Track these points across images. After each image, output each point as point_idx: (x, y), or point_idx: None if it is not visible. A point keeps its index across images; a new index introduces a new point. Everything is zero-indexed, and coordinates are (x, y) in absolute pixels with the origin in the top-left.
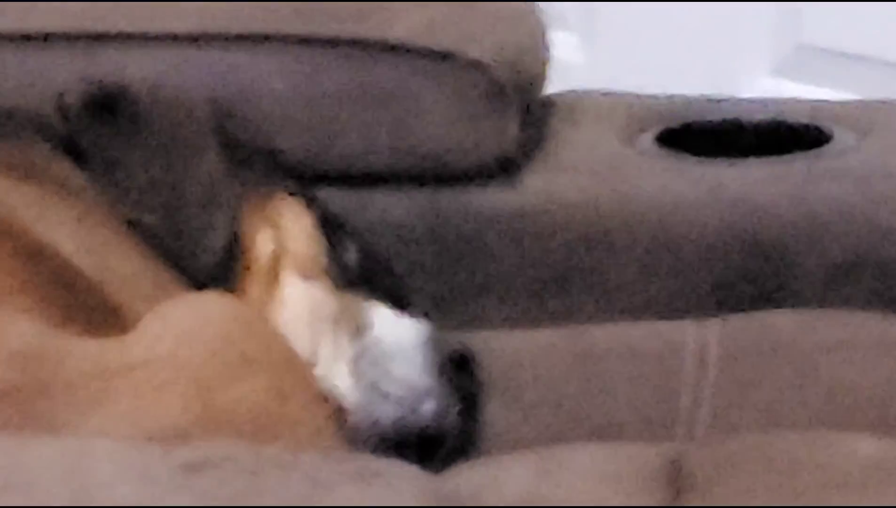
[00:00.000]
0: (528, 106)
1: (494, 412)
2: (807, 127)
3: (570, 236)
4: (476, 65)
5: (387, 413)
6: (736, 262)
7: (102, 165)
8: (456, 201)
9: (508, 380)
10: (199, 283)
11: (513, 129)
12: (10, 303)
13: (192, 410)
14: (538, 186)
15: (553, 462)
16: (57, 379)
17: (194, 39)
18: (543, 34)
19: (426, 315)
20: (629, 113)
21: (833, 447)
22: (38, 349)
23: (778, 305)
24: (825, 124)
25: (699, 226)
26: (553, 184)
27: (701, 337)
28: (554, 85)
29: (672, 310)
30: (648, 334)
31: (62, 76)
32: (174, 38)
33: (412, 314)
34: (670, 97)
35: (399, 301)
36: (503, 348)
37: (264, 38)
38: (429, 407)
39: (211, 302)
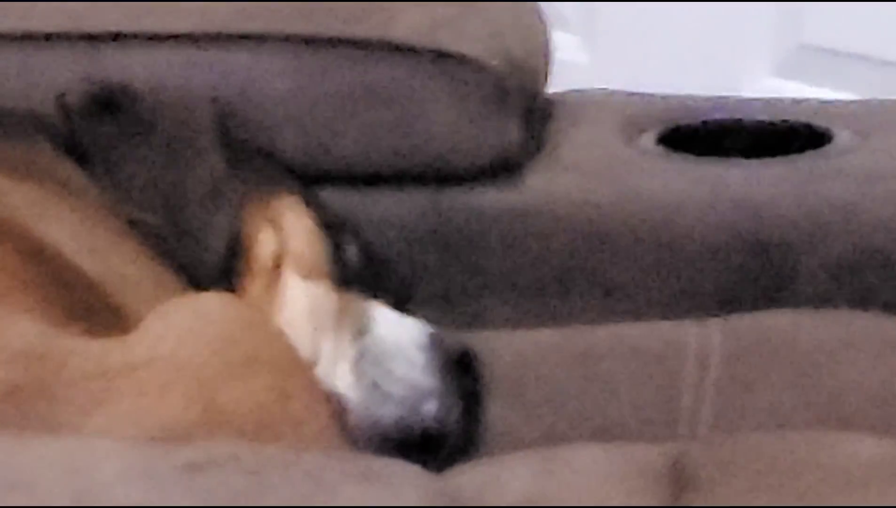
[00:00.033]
0: (529, 106)
1: (496, 412)
2: (808, 127)
3: (572, 236)
4: (478, 65)
5: (388, 413)
6: (737, 262)
7: (104, 165)
8: (458, 201)
9: (510, 380)
10: (201, 283)
11: (514, 129)
12: (11, 303)
13: (194, 410)
14: (540, 186)
15: (555, 462)
16: (59, 379)
17: (196, 39)
18: (545, 34)
19: (428, 315)
20: (630, 113)
21: (835, 447)
22: (40, 349)
23: (779, 305)
24: (826, 124)
25: (701, 226)
26: (555, 184)
27: (702, 337)
28: (555, 85)
29: (674, 310)
30: (650, 334)
31: (64, 76)
32: (176, 38)
33: (414, 314)
34: (671, 97)
35: (401, 301)
36: (505, 347)
37: (266, 38)
38: (430, 407)
39: (213, 302)
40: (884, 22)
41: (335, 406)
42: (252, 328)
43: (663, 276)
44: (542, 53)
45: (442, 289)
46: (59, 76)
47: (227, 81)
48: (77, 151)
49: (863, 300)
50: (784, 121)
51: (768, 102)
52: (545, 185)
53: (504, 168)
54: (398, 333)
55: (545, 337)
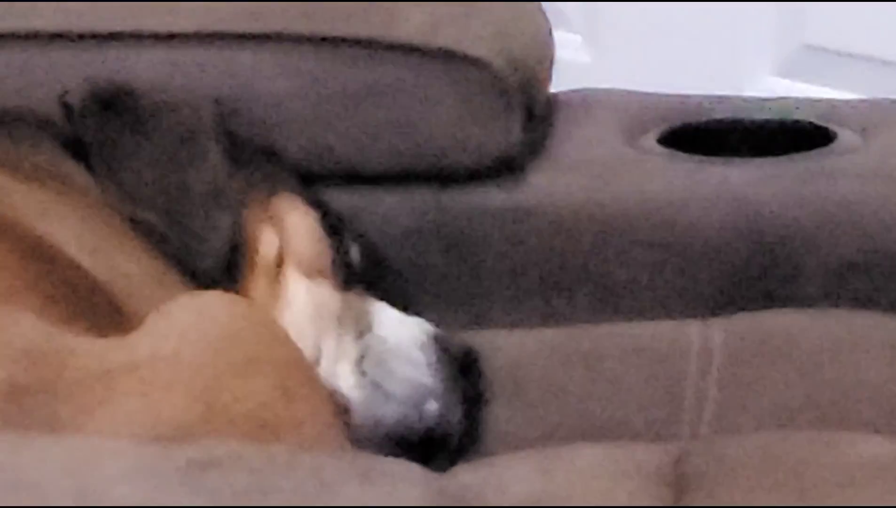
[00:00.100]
0: (531, 105)
1: (498, 412)
2: (810, 127)
3: (574, 236)
4: (480, 64)
5: (390, 413)
6: (739, 261)
7: (106, 165)
8: (460, 200)
9: (512, 379)
10: (203, 282)
11: (517, 128)
12: (14, 302)
13: (197, 409)
14: (542, 186)
15: (557, 462)
16: (61, 378)
17: (199, 39)
18: (547, 34)
19: (430, 314)
20: (632, 112)
21: (837, 446)
22: (43, 348)
23: (782, 304)
24: (828, 124)
25: (703, 225)
26: (556, 183)
27: (705, 337)
28: (557, 84)
29: (676, 309)
30: (653, 333)
31: (66, 76)
32: (178, 38)
33: (416, 314)
34: (673, 97)
35: (402, 301)
36: (507, 347)
37: (268, 38)
38: (432, 407)
39: (215, 301)
40: (886, 22)
41: (337, 406)
42: (254, 327)
43: (665, 275)
44: (544, 53)
45: (444, 288)
46: (61, 76)
47: (229, 81)
48: (79, 151)
49: (865, 300)
50: (786, 120)
51: (770, 102)
52: (547, 184)
53: (506, 167)
54: (400, 332)
55: (547, 337)
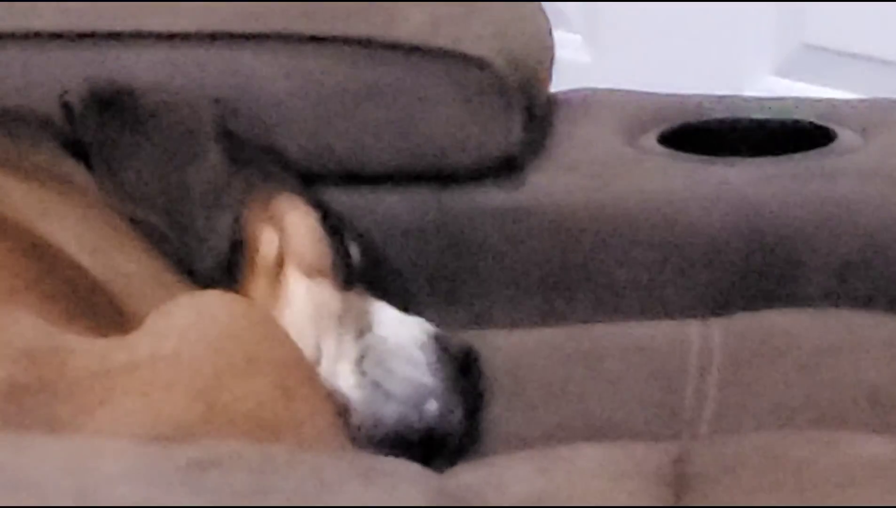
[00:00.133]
0: (531, 105)
1: (498, 412)
2: (810, 126)
3: (574, 235)
4: (480, 64)
5: (390, 413)
6: (739, 261)
7: (106, 164)
8: (460, 200)
9: (512, 379)
10: (204, 282)
11: (517, 128)
12: (14, 301)
13: (197, 408)
14: (542, 185)
15: (556, 462)
16: (61, 378)
17: (199, 38)
18: (548, 33)
19: (430, 314)
20: (632, 112)
21: (837, 446)
22: (43, 348)
23: (781, 304)
24: (828, 124)
25: (703, 225)
26: (556, 183)
27: (705, 336)
28: (557, 84)
29: (676, 309)
30: (652, 333)
31: (66, 76)
32: (178, 38)
33: (416, 313)
34: (673, 96)
35: (403, 300)
36: (507, 347)
37: (268, 37)
38: (432, 407)
39: (216, 301)
40: (885, 22)
41: (337, 406)
42: (255, 327)
43: (665, 275)
44: (545, 53)
45: (444, 288)
46: (61, 75)
47: (229, 81)
48: (79, 150)
49: (865, 299)
50: (786, 120)
51: (770, 102)
52: (547, 184)
53: (506, 167)
54: (400, 332)
55: (547, 336)
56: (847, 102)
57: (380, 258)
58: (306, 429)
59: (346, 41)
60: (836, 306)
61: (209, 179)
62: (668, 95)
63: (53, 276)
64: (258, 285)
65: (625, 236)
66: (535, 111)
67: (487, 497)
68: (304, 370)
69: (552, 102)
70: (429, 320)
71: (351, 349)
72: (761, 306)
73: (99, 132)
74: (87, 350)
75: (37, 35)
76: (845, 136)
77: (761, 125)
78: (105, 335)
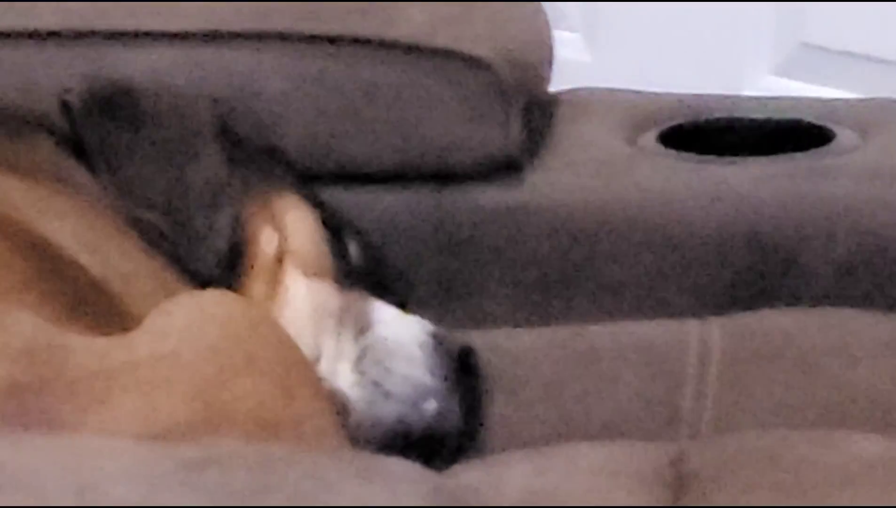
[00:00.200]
0: (531, 105)
1: (497, 410)
2: (809, 126)
3: (573, 234)
4: (480, 63)
5: (389, 412)
6: (738, 260)
7: (106, 163)
8: (459, 199)
9: (511, 378)
10: (203, 281)
11: (516, 127)
12: (13, 300)
13: (196, 408)
14: (541, 185)
15: (555, 461)
16: (60, 377)
17: (198, 38)
18: (547, 33)
19: (429, 313)
20: (632, 112)
21: (836, 446)
22: (42, 347)
23: (780, 303)
24: (827, 123)
25: (701, 224)
26: (556, 182)
27: (703, 336)
28: (557, 84)
29: (675, 308)
30: (651, 332)
31: (66, 74)
32: (178, 37)
33: (415, 313)
34: (673, 96)
35: (402, 299)
36: (506, 346)
37: (268, 37)
38: (431, 406)
39: (215, 300)
40: (885, 21)
41: (337, 405)
42: (254, 326)
43: (664, 274)
44: (544, 52)
45: (443, 287)
46: (60, 74)
47: (228, 80)
48: (79, 150)
49: (864, 299)
50: (785, 119)
51: (769, 101)
52: (546, 183)
53: (505, 167)
54: (399, 331)
55: (546, 335)
56: (846, 101)
57: (379, 258)
58: (306, 428)
59: (346, 41)
60: (836, 306)
61: (208, 179)
62: (667, 95)
63: (53, 275)
64: (257, 284)
65: (624, 235)
66: (534, 111)
67: (486, 496)
68: (303, 370)
69: (552, 102)
70: (428, 319)
71: (350, 349)
72: (761, 306)
73: (98, 131)
74: (86, 349)
75: (36, 34)
76: (844, 135)
77: (761, 125)
78: (105, 334)
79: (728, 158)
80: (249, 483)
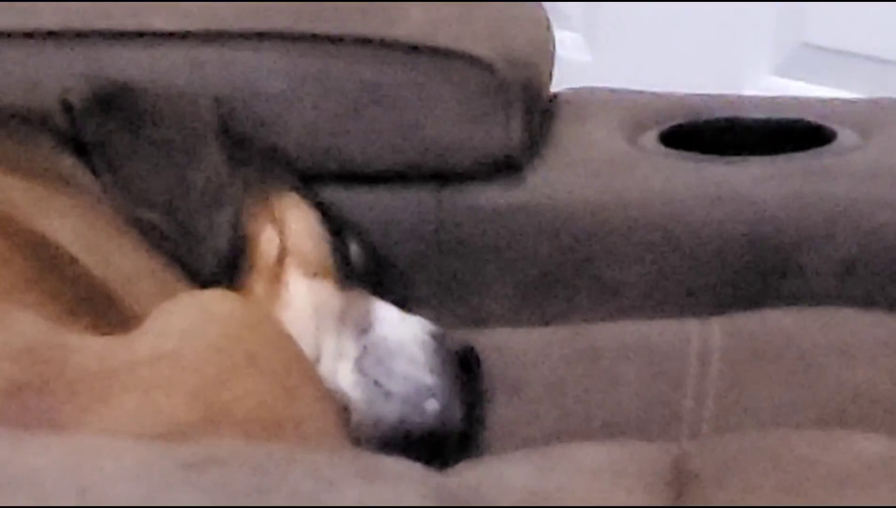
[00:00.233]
0: (532, 105)
1: (498, 410)
2: (810, 126)
3: (574, 234)
4: (481, 63)
5: (390, 411)
6: (739, 260)
7: (106, 163)
8: (460, 199)
9: (512, 378)
10: (204, 281)
11: (517, 127)
12: (14, 299)
13: (197, 407)
14: (542, 184)
15: (557, 460)
16: (61, 376)
17: (199, 38)
18: (548, 33)
19: (430, 313)
20: (633, 111)
21: (836, 446)
22: (43, 346)
23: (781, 303)
24: (828, 123)
25: (703, 224)
26: (557, 182)
27: (704, 335)
28: (558, 83)
29: (675, 308)
30: (652, 332)
31: (67, 74)
32: (179, 37)
33: (416, 312)
34: (673, 96)
35: (403, 299)
36: (507, 345)
37: (269, 37)
38: (432, 405)
39: (216, 300)
40: (885, 21)
41: (338, 405)
42: (255, 326)
43: (665, 274)
44: (545, 52)
45: (444, 287)
46: (61, 74)
47: (229, 80)
48: (80, 149)
49: (865, 299)
50: (786, 119)
51: (770, 101)
52: (547, 183)
53: (506, 166)
54: (401, 331)
55: (547, 335)
56: (847, 101)
57: (380, 258)
58: (307, 428)
59: (347, 41)
60: (836, 306)
61: (209, 178)
62: (668, 95)
63: (54, 274)
64: (258, 284)
65: (625, 235)
66: (535, 110)
67: (487, 495)
68: (304, 369)
69: (552, 102)
70: (428, 319)
71: (351, 348)
72: (761, 306)
73: (99, 131)
74: (87, 349)
75: (37, 34)
76: (845, 135)
77: (761, 125)
78: (105, 334)
79: (729, 158)
80: (250, 483)
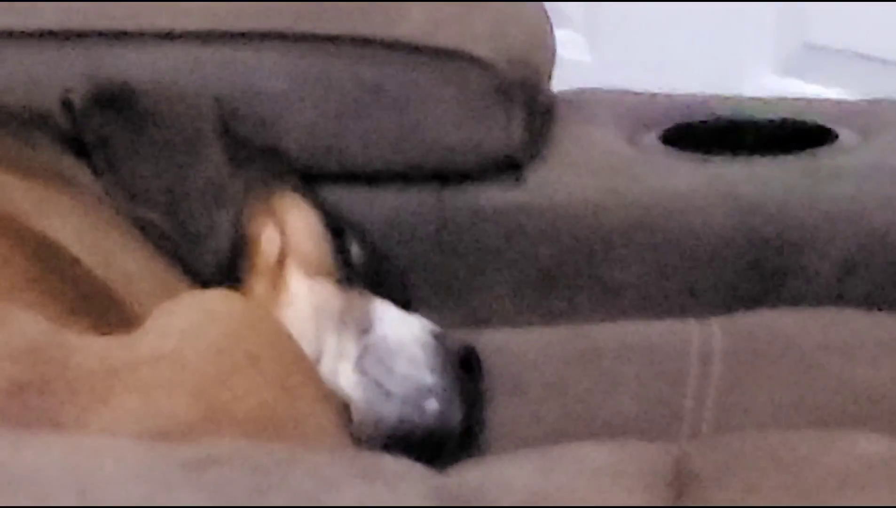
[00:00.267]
0: (532, 105)
1: (499, 410)
2: (811, 126)
3: (575, 234)
4: (482, 63)
5: (391, 411)
6: (740, 260)
7: (107, 163)
8: (461, 199)
9: (512, 378)
10: (205, 280)
11: (518, 127)
12: (15, 299)
13: (198, 407)
14: (543, 184)
15: (557, 460)
16: (62, 376)
17: (199, 37)
18: (549, 33)
19: (431, 313)
20: (634, 111)
21: (837, 446)
22: (44, 346)
23: (782, 303)
24: (830, 123)
25: (704, 224)
26: (558, 182)
27: (705, 335)
28: (559, 83)
29: (677, 308)
30: (653, 332)
31: (67, 74)
32: (179, 36)
33: (416, 312)
34: (675, 96)
35: (403, 299)
36: (507, 346)
37: (269, 36)
38: (433, 405)
39: (217, 299)
40: (886, 21)
41: (338, 404)
42: (256, 325)
43: (666, 274)
44: (546, 52)
45: (445, 287)
46: (62, 74)
47: (230, 80)
48: (80, 149)
49: (867, 299)
50: (788, 119)
51: (771, 101)
52: (548, 183)
53: (507, 166)
54: (401, 331)
55: (548, 335)
56: (848, 101)
57: (380, 257)
58: (307, 428)
59: (347, 40)
60: (836, 306)
61: (210, 178)
62: (668, 95)
63: (55, 274)
64: (259, 283)
65: (626, 235)
66: (535, 111)
67: (488, 495)
68: (305, 369)
69: (553, 102)
70: (430, 318)
71: (352, 348)
72: (762, 305)
73: (100, 131)
74: (88, 349)
75: (38, 34)
76: (846, 136)
77: (762, 125)
78: (106, 334)
79: (730, 158)
80: (251, 483)
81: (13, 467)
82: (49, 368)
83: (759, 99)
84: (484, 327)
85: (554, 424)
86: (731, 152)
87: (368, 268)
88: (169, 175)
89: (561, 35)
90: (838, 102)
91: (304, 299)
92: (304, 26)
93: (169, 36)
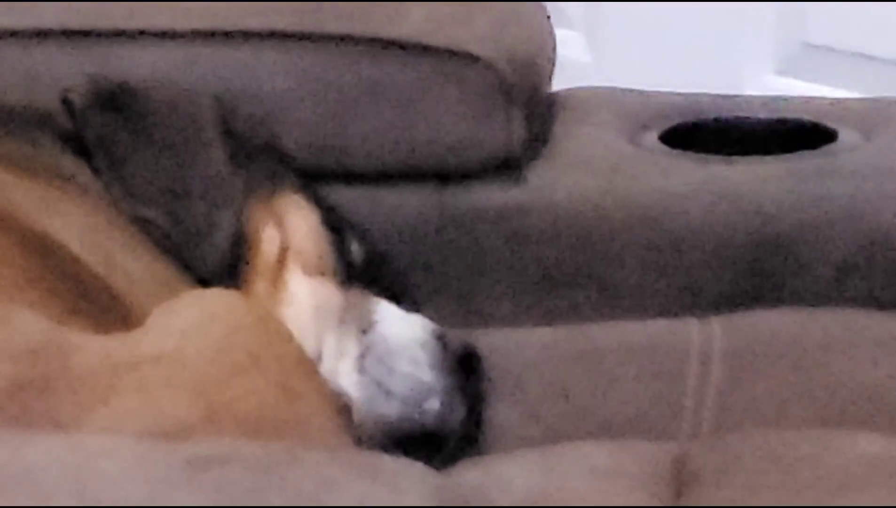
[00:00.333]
0: (533, 104)
1: (499, 410)
2: (811, 126)
3: (575, 234)
4: (482, 63)
5: (391, 411)
6: (740, 259)
7: (108, 162)
8: (461, 199)
9: (513, 377)
10: (205, 279)
11: (518, 126)
12: (16, 298)
13: (198, 407)
14: (543, 184)
15: (558, 460)
16: (64, 375)
17: (200, 36)
18: (549, 32)
19: (431, 313)
20: (633, 111)
21: (836, 445)
22: (45, 345)
23: (782, 303)
24: (829, 123)
25: (703, 224)
26: (558, 181)
27: (704, 335)
28: (559, 83)
29: (676, 307)
30: (652, 331)
31: (68, 73)
32: (180, 35)
33: (417, 312)
34: (674, 95)
35: (404, 299)
36: (508, 345)
37: (270, 36)
38: (433, 405)
39: (218, 299)
40: (886, 21)
41: (339, 404)
42: (257, 325)
43: (666, 273)
44: (546, 51)
45: (445, 287)
46: (63, 73)
47: (230, 79)
48: (81, 148)
49: (866, 299)
50: (787, 119)
51: (771, 101)
52: (548, 182)
53: (507, 166)
54: (402, 330)
55: (548, 335)
56: (848, 101)
57: (381, 257)
58: (308, 427)
59: (347, 39)
60: (836, 305)
61: (211, 177)
62: (668, 94)
63: (56, 273)
64: (260, 283)
65: (625, 234)
66: (535, 110)
67: (488, 495)
68: (305, 369)
69: (553, 101)
70: (430, 318)
71: (352, 347)
72: (761, 305)
73: (101, 130)
74: (89, 348)
75: (38, 33)
76: (846, 135)
77: (762, 124)
78: (107, 333)
79: (729, 158)
80: (251, 482)
81: (13, 467)
82: (50, 367)
83: (759, 98)
84: (483, 326)
85: (554, 424)
86: (731, 152)
87: (368, 267)
88: (169, 174)
89: (561, 35)
90: (838, 102)
91: (305, 299)
92: (305, 26)
93: (169, 35)
